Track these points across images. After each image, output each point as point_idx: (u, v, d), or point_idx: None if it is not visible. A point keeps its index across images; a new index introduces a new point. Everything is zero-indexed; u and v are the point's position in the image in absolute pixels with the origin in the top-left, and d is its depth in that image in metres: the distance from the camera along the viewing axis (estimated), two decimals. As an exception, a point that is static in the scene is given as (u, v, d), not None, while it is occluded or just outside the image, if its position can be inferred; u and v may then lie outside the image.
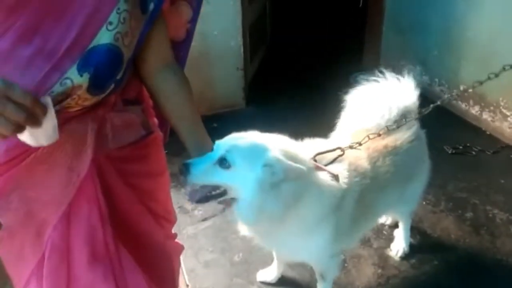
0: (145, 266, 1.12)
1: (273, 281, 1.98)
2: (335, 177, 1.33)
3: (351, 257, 2.08)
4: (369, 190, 1.48)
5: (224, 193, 1.21)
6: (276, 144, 1.22)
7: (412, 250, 2.10)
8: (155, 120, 1.28)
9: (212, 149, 1.17)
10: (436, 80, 3.42)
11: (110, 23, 0.90)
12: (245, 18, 3.28)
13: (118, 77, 1.00)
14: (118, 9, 0.90)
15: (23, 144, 0.87)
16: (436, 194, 2.47)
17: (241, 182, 1.17)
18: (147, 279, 1.10)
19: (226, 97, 3.49)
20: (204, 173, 1.15)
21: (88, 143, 1.00)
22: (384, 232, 2.22)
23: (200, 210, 2.39)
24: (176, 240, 1.43)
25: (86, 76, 0.91)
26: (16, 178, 0.98)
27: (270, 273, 1.98)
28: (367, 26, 3.97)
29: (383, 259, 2.07)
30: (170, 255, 1.32)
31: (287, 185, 1.18)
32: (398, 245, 2.10)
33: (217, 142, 1.19)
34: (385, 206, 1.73)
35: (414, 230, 2.21)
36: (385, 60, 3.87)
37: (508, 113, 2.87)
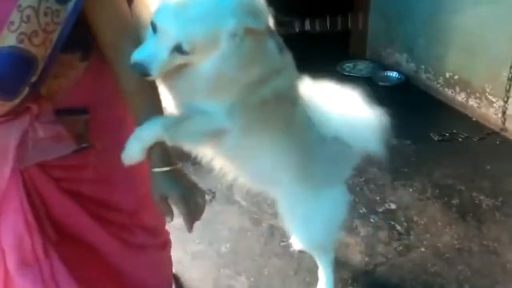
0: (79, 270, 1.11)
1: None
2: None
3: (338, 245, 2.08)
4: None
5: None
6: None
7: (399, 237, 2.11)
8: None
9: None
10: (422, 67, 3.42)
11: (12, 23, 0.81)
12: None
13: (33, 80, 0.90)
14: (20, 6, 0.80)
15: None
16: (422, 181, 2.47)
17: (204, 60, 1.02)
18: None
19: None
20: (165, 66, 0.99)
21: (9, 154, 0.97)
22: (371, 220, 2.22)
23: (187, 202, 2.37)
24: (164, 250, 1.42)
25: None
26: None
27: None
28: (352, 14, 3.95)
29: (370, 247, 2.08)
30: (121, 264, 1.26)
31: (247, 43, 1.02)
32: None
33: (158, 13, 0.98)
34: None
35: (401, 217, 2.22)
36: (372, 48, 3.86)
37: (494, 99, 2.88)
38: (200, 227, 2.22)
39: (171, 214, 1.04)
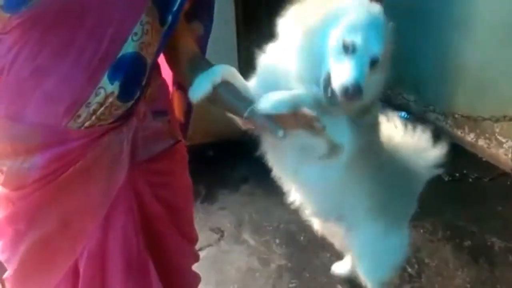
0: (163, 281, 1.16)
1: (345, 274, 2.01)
2: None
3: None
4: None
5: None
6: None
7: (410, 280, 2.07)
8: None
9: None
10: (431, 107, 3.43)
11: (135, 34, 0.97)
12: (241, 43, 3.31)
13: (143, 83, 1.06)
14: (141, 21, 0.97)
15: (61, 158, 0.96)
16: (433, 222, 2.44)
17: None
18: None
19: (222, 125, 3.47)
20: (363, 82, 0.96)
21: (123, 153, 1.04)
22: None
23: (195, 240, 2.36)
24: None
25: (116, 84, 0.98)
26: (53, 192, 1.00)
27: (344, 266, 2.03)
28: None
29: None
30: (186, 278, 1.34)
31: None
32: None
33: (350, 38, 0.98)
34: None
35: (412, 259, 2.18)
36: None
37: (503, 140, 2.87)
38: (207, 267, 2.20)
39: (279, 129, 1.01)
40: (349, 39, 0.97)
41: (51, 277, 1.08)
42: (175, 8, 1.03)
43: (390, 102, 3.71)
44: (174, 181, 1.24)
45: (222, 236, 2.38)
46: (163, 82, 1.22)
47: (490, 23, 2.81)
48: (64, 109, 0.95)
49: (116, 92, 0.99)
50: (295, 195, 1.44)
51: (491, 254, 2.21)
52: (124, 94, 1.01)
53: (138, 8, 0.96)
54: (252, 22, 3.54)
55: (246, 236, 2.38)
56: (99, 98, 0.97)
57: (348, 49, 0.97)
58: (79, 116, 0.97)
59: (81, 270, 1.06)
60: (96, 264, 1.07)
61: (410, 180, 1.58)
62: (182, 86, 1.24)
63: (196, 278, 1.41)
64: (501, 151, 2.90)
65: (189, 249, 1.34)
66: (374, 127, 1.28)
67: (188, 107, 1.33)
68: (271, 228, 2.44)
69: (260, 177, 2.85)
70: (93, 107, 0.97)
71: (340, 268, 2.07)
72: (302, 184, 1.36)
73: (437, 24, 3.22)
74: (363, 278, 1.67)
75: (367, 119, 1.17)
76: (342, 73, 0.95)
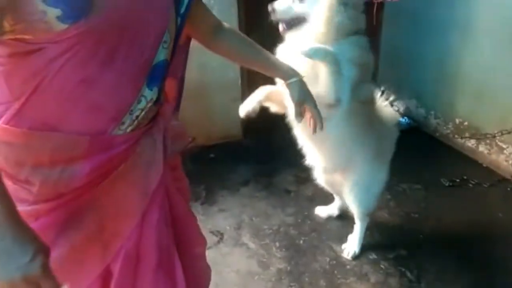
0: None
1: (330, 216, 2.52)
2: None
3: (347, 292, 2.04)
4: None
5: (302, 19, 1.73)
6: None
7: (410, 285, 2.07)
8: None
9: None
10: (432, 113, 3.44)
11: (165, 42, 1.00)
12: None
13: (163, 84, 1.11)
14: (169, 29, 1.01)
15: (106, 164, 0.98)
16: (432, 228, 2.44)
17: (314, 6, 1.69)
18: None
19: (223, 128, 3.50)
20: (286, 9, 1.72)
21: (157, 153, 1.07)
22: (382, 266, 2.18)
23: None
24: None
25: (155, 89, 1.02)
26: (93, 198, 1.01)
27: (329, 209, 2.52)
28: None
29: (381, 294, 2.04)
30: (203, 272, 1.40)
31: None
32: (350, 247, 2.27)
33: None
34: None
35: (411, 264, 2.18)
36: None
37: (504, 146, 2.87)
38: (207, 269, 2.20)
39: (300, 116, 1.42)
40: None
41: (82, 280, 1.07)
42: (182, 11, 1.05)
43: (390, 106, 3.72)
44: (181, 174, 1.30)
45: (221, 238, 2.38)
46: None
47: (491, 29, 2.82)
48: (109, 117, 0.96)
49: (155, 98, 1.03)
50: (310, 159, 2.09)
51: (491, 260, 2.21)
52: (158, 98, 1.06)
53: (166, 17, 1.00)
54: (255, 22, 3.55)
55: (246, 239, 2.38)
56: (141, 105, 1.00)
57: None
58: (123, 123, 0.99)
59: (115, 270, 1.05)
60: (132, 263, 1.07)
61: (389, 130, 2.15)
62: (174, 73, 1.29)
63: (209, 268, 1.44)
64: (501, 157, 2.91)
65: (202, 237, 1.37)
66: (370, 99, 2.01)
67: (179, 93, 1.36)
68: (270, 231, 2.44)
69: (260, 180, 2.88)
70: (135, 113, 1.00)
71: (323, 212, 2.54)
72: (321, 143, 1.93)
73: (438, 30, 3.23)
74: (353, 209, 2.19)
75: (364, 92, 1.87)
76: None
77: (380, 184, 2.15)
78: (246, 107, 1.87)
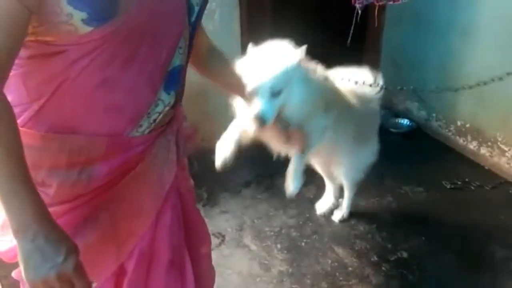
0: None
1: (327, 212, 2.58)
2: None
3: (349, 294, 2.04)
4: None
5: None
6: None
7: (411, 287, 2.06)
8: None
9: None
10: (434, 115, 3.44)
11: (180, 47, 1.01)
12: (246, 44, 3.31)
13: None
14: (184, 35, 1.01)
15: (124, 165, 0.99)
16: (434, 230, 2.44)
17: (292, 95, 1.65)
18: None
19: (225, 130, 3.49)
20: (271, 113, 1.62)
21: (171, 154, 1.09)
22: (383, 268, 2.18)
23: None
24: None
25: (173, 94, 1.04)
26: (109, 198, 1.01)
27: (327, 200, 2.59)
28: (364, 62, 4.02)
29: (382, 296, 2.03)
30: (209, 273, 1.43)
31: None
32: (340, 211, 2.52)
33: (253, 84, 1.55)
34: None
35: (413, 266, 2.18)
36: (383, 95, 3.89)
37: (506, 149, 2.87)
38: (209, 271, 2.20)
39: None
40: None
41: (96, 278, 1.05)
42: (193, 19, 1.05)
43: (393, 108, 3.73)
44: (188, 174, 1.31)
45: (223, 240, 2.38)
46: None
47: (493, 31, 2.82)
48: (128, 120, 0.97)
49: (172, 102, 1.04)
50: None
51: (492, 262, 2.20)
52: (176, 102, 1.07)
53: (182, 22, 1.00)
54: (257, 23, 3.56)
55: (248, 240, 2.38)
56: (158, 109, 1.01)
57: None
58: (141, 126, 1.00)
59: (129, 268, 1.06)
60: (145, 262, 1.08)
61: (368, 107, 2.29)
62: None
63: (213, 269, 1.47)
64: (503, 159, 2.90)
65: (209, 237, 1.39)
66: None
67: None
68: (272, 233, 2.44)
69: (262, 181, 2.87)
70: (153, 117, 1.01)
71: (323, 206, 2.60)
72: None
73: (440, 32, 3.23)
74: (343, 182, 2.42)
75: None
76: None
77: (367, 157, 2.30)
78: (222, 155, 1.92)
